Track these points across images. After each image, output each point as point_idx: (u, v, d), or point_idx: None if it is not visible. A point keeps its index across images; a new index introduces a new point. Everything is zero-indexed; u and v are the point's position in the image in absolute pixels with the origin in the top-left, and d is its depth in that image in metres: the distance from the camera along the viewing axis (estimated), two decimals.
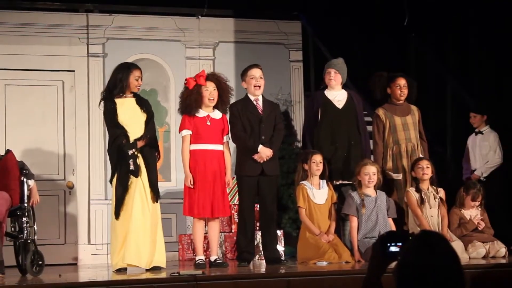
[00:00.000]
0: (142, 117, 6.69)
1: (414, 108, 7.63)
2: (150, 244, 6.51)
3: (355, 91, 8.07)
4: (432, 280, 2.49)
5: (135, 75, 6.71)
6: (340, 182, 7.41)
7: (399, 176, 7.39)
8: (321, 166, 7.11)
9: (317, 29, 9.51)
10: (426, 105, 8.73)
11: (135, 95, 6.77)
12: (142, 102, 6.76)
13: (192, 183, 6.71)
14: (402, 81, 7.55)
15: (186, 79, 6.98)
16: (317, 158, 7.10)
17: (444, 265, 2.51)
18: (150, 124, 6.72)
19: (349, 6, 9.54)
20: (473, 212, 7.30)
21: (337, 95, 7.47)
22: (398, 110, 7.54)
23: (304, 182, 7.15)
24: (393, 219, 7.17)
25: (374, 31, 9.59)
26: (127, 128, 6.62)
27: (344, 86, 7.66)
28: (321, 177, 7.18)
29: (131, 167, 6.51)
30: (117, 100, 6.66)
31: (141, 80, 6.78)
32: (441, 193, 7.31)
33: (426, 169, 7.17)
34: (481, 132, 8.29)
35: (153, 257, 6.51)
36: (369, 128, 7.81)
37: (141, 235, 6.46)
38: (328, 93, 7.48)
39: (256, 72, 7.08)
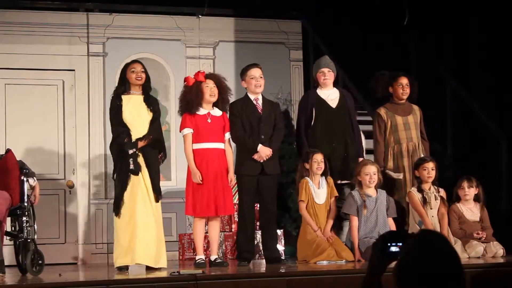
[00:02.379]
0: (148, 116, 6.69)
1: (415, 107, 7.64)
2: (157, 242, 6.53)
3: (355, 90, 8.07)
4: (432, 279, 2.49)
5: (130, 68, 6.73)
6: (339, 181, 7.42)
7: (400, 176, 7.39)
8: (322, 165, 7.11)
9: (317, 28, 9.51)
10: (426, 105, 8.72)
11: (144, 92, 6.75)
12: (150, 101, 6.75)
13: (201, 179, 6.70)
14: (404, 80, 7.55)
15: (185, 78, 6.98)
16: (318, 157, 7.10)
17: (444, 264, 2.51)
18: (155, 124, 6.70)
19: (349, 6, 9.53)
20: (473, 209, 7.29)
21: (330, 94, 7.46)
22: (400, 109, 7.54)
23: (308, 178, 7.14)
24: (394, 219, 7.17)
25: (374, 31, 9.58)
26: (130, 126, 6.63)
27: (342, 85, 7.65)
28: (322, 174, 7.18)
29: (131, 166, 6.52)
30: (124, 97, 6.70)
31: (143, 73, 6.73)
32: (442, 192, 7.31)
33: (431, 171, 7.16)
34: None
35: (160, 256, 6.53)
36: (369, 127, 7.82)
37: (147, 234, 6.48)
38: (321, 92, 7.46)
39: (256, 72, 7.08)
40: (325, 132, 7.35)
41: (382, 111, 7.54)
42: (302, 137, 7.40)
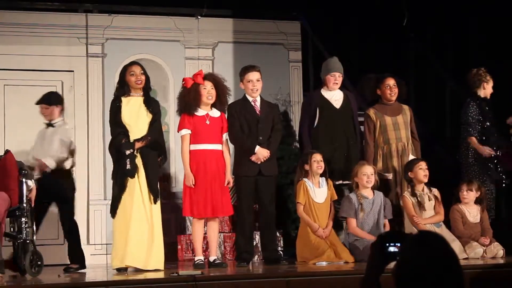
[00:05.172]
0: (147, 117, 6.69)
1: (405, 107, 7.66)
2: (147, 245, 6.51)
3: (354, 91, 8.08)
4: (431, 280, 2.49)
5: (129, 71, 6.73)
6: (340, 182, 7.42)
7: (389, 176, 7.40)
8: (322, 164, 7.12)
9: (317, 29, 9.51)
10: (426, 105, 8.74)
11: (145, 94, 6.75)
12: (150, 103, 6.75)
13: (193, 183, 6.70)
14: (391, 81, 7.58)
15: (183, 79, 6.97)
16: (318, 157, 7.11)
17: (443, 265, 2.50)
18: (154, 125, 6.70)
19: (348, 6, 9.53)
20: (474, 211, 7.29)
21: (334, 95, 7.49)
22: (389, 110, 7.56)
23: (306, 179, 7.15)
24: (391, 220, 7.18)
25: (373, 32, 9.58)
26: (129, 128, 6.64)
27: (341, 86, 7.66)
28: (321, 175, 7.18)
29: (128, 166, 6.52)
30: (123, 99, 6.70)
31: (142, 75, 6.74)
32: (436, 192, 7.31)
33: (426, 170, 7.18)
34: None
35: (150, 258, 6.52)
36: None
37: (139, 236, 6.48)
38: (325, 93, 7.49)
39: (253, 76, 7.08)
40: (327, 132, 7.36)
41: (371, 112, 7.56)
42: (305, 137, 7.40)
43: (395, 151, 7.43)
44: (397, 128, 7.48)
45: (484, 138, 7.66)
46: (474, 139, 7.62)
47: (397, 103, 7.60)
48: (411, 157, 7.38)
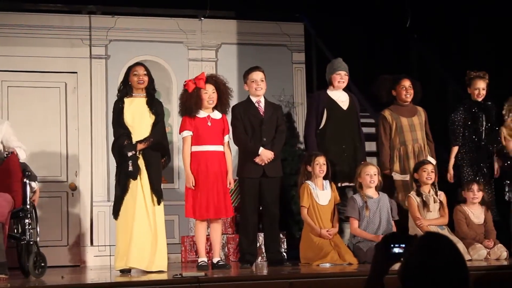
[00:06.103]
0: (150, 118, 6.69)
1: (420, 109, 7.66)
2: (151, 246, 6.52)
3: (358, 92, 8.07)
4: (438, 281, 2.48)
5: (133, 71, 6.74)
6: (346, 184, 7.41)
7: (407, 177, 7.40)
8: (324, 168, 7.11)
9: (320, 31, 9.50)
10: (428, 107, 8.71)
11: (148, 95, 6.75)
12: (153, 104, 6.75)
13: (193, 184, 6.71)
14: (407, 82, 7.58)
15: (185, 82, 6.98)
16: (321, 160, 7.10)
17: (449, 266, 2.50)
18: (157, 127, 6.70)
19: (352, 8, 9.54)
20: (476, 211, 7.29)
21: (340, 96, 7.50)
22: (405, 111, 7.56)
23: (309, 181, 7.15)
24: (395, 221, 7.18)
25: (376, 33, 9.58)
26: (131, 129, 6.64)
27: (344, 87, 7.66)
28: (324, 178, 7.19)
29: (130, 168, 6.53)
30: (126, 100, 6.71)
31: (145, 75, 6.73)
32: (442, 196, 7.31)
33: (431, 173, 7.18)
34: None
35: (154, 259, 6.52)
36: (371, 130, 7.81)
37: (142, 238, 6.48)
38: (332, 94, 7.49)
39: (257, 75, 7.08)
40: (335, 133, 7.36)
41: (386, 113, 7.56)
42: (311, 138, 7.39)
43: (411, 152, 7.44)
44: (413, 129, 7.49)
45: (476, 139, 7.65)
46: (455, 150, 7.65)
47: (411, 104, 7.62)
48: (429, 158, 7.40)
